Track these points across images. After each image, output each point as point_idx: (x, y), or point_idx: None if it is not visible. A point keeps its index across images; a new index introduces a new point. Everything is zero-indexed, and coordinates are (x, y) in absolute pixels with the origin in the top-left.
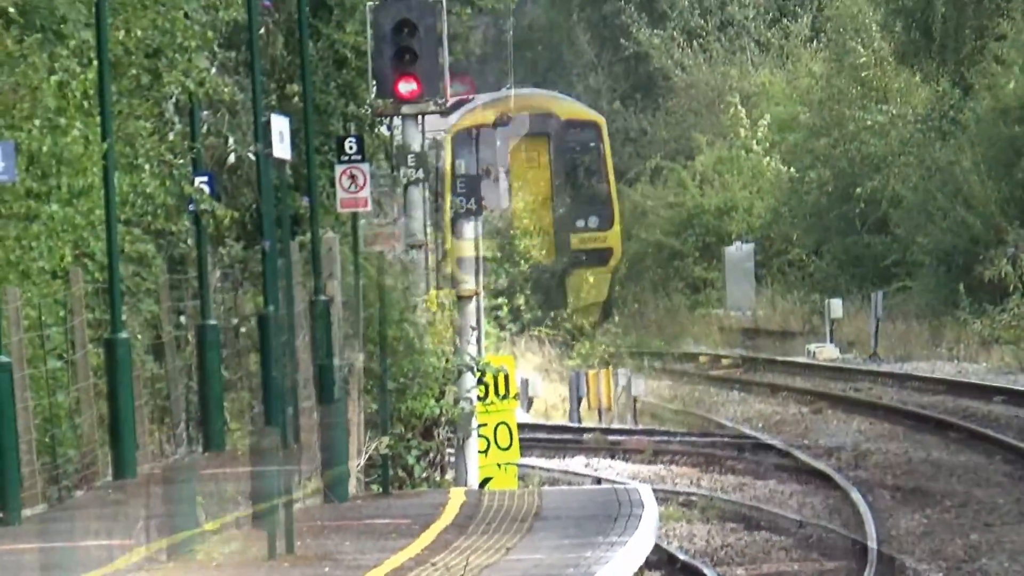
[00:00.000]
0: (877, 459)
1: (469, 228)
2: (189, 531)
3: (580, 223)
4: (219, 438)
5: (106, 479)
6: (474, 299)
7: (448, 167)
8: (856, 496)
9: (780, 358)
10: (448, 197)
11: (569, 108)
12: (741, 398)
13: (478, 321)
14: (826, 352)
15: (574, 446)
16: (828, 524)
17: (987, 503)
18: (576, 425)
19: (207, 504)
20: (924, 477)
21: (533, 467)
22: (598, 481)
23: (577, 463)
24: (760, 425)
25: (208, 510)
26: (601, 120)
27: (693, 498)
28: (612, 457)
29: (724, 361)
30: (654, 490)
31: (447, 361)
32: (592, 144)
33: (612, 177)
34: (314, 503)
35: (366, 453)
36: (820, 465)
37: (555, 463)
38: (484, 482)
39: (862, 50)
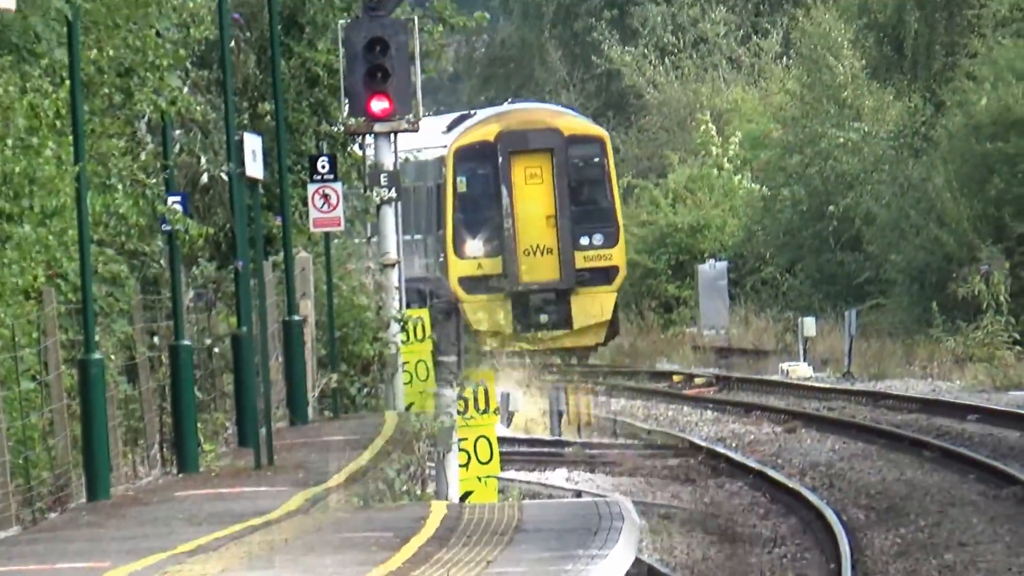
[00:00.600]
0: (851, 478)
1: (471, 247)
2: (164, 553)
3: (584, 241)
4: (193, 459)
5: (80, 501)
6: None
7: (449, 184)
8: (830, 515)
9: (754, 377)
10: (450, 215)
11: (572, 123)
12: (715, 417)
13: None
14: (799, 371)
15: (555, 460)
16: (802, 543)
17: (961, 522)
18: (556, 439)
19: (182, 525)
20: (898, 496)
21: (514, 480)
22: (578, 494)
23: (558, 476)
24: (734, 445)
25: (183, 532)
26: (605, 135)
27: (673, 510)
28: (592, 471)
29: (697, 380)
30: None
31: (426, 379)
32: (596, 159)
33: (617, 193)
34: (293, 518)
35: (346, 474)
36: (794, 484)
37: (535, 476)
38: (465, 495)
39: (841, 67)
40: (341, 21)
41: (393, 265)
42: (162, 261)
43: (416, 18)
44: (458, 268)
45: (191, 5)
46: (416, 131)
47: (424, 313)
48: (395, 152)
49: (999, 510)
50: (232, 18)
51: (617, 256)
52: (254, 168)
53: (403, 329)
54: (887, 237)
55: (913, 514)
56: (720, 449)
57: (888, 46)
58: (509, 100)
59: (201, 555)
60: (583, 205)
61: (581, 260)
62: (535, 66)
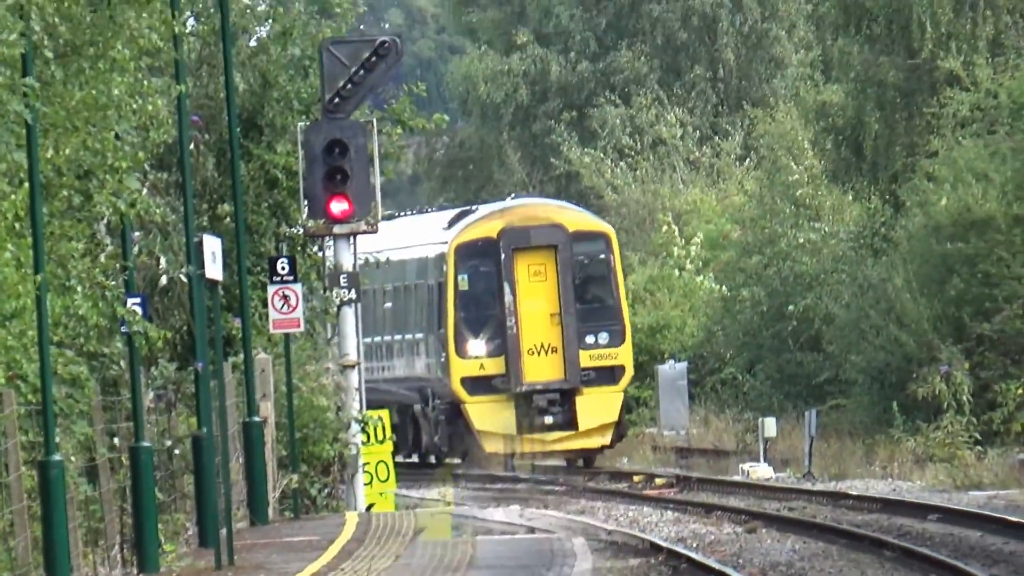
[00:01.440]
0: None
1: (473, 346)
2: None
3: (590, 339)
4: (153, 560)
5: None
6: None
7: (450, 282)
8: None
9: (714, 477)
10: (451, 313)
11: (576, 218)
12: (676, 517)
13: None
14: (760, 471)
15: (510, 495)
16: None
17: None
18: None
19: None
20: None
21: (468, 517)
22: (531, 531)
23: (512, 512)
24: (695, 545)
25: None
26: (611, 231)
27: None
28: (546, 507)
29: (658, 480)
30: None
31: (386, 480)
32: (602, 256)
33: (623, 291)
34: None
35: (308, 574)
36: None
37: (489, 513)
38: (369, 506)
39: (794, 167)
40: (300, 123)
41: (353, 366)
42: (121, 362)
43: (375, 120)
44: (460, 368)
45: (150, 108)
46: (375, 232)
47: (384, 414)
48: (355, 253)
49: None
50: (191, 120)
51: (623, 355)
52: (214, 270)
53: (363, 430)
54: (847, 337)
55: None
56: (681, 549)
57: (847, 148)
58: (512, 195)
59: None
60: (588, 303)
61: (587, 359)
62: (494, 167)
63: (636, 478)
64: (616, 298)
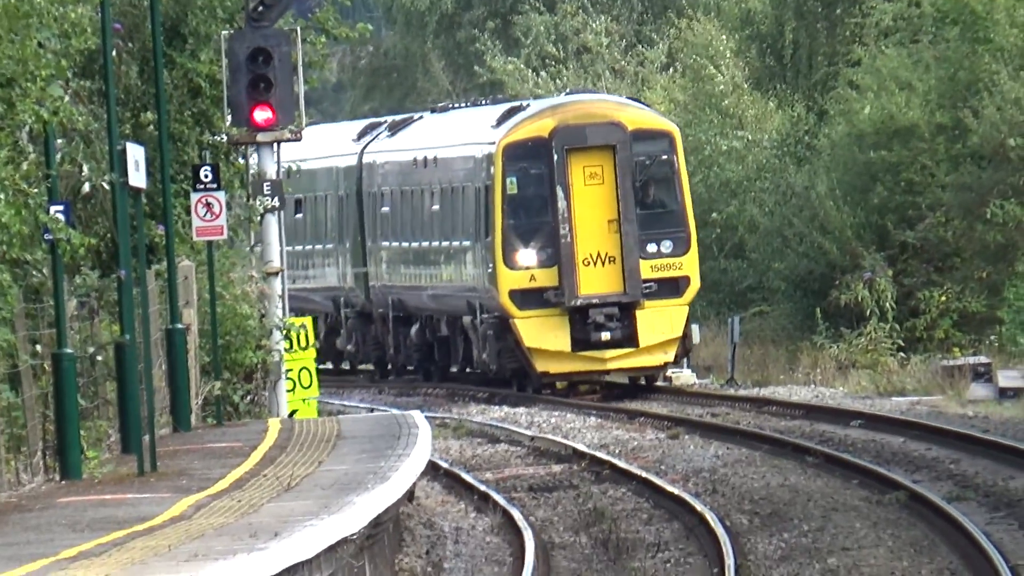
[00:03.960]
0: (734, 483)
1: (523, 256)
2: (46, 559)
3: (651, 248)
4: (76, 466)
5: None
6: None
7: (498, 186)
8: (713, 520)
9: (637, 383)
10: (499, 220)
11: (637, 116)
12: (599, 424)
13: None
14: (683, 377)
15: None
16: (685, 548)
17: (844, 527)
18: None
19: (64, 532)
20: (781, 501)
21: (328, 402)
22: (371, 411)
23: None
24: (618, 451)
25: (65, 538)
26: (674, 129)
27: (556, 516)
28: (469, 416)
29: (581, 387)
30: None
31: (309, 386)
32: (664, 157)
33: (688, 195)
34: (177, 524)
35: (230, 480)
36: (677, 490)
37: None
38: (292, 413)
39: (722, 77)
40: (224, 32)
41: (276, 273)
42: (44, 270)
43: (299, 29)
44: (508, 280)
45: (72, 16)
46: (299, 140)
47: (307, 321)
48: (278, 161)
49: (881, 515)
50: (114, 28)
51: (688, 265)
52: (137, 177)
53: (286, 337)
54: (770, 244)
55: (796, 519)
56: (604, 455)
57: (771, 56)
58: (567, 91)
59: (83, 561)
60: (650, 208)
61: (648, 270)
62: (418, 76)
63: (559, 384)
64: (680, 203)
